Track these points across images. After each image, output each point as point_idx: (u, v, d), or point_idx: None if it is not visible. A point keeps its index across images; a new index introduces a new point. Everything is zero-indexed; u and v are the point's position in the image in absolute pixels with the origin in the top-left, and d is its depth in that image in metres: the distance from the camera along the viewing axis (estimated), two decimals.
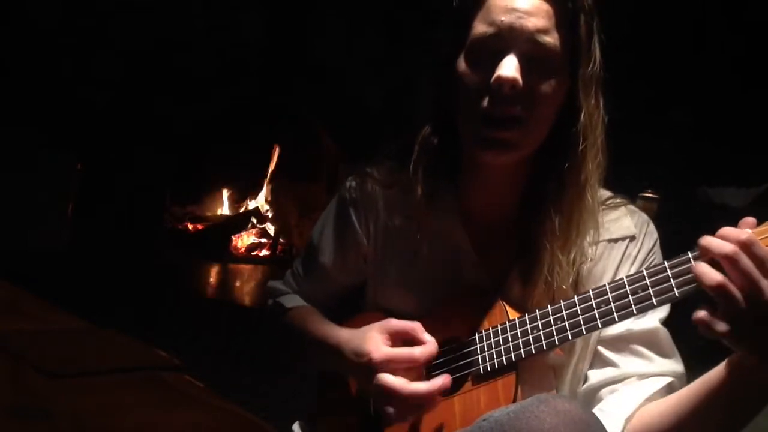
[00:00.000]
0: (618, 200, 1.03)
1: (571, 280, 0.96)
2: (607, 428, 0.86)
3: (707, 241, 0.74)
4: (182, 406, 0.60)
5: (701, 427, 0.84)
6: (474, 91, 0.91)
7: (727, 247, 0.72)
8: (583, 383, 0.99)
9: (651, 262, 1.00)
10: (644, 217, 1.03)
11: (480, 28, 0.91)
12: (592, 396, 0.98)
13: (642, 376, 0.94)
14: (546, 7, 0.89)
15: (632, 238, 1.00)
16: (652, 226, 1.03)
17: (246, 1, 4.70)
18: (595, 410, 0.94)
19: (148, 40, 4.41)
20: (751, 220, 0.76)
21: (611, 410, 0.92)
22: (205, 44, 4.62)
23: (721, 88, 3.27)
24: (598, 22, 0.94)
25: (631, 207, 1.04)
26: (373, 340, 0.95)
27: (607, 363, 0.97)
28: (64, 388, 0.58)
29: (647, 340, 0.95)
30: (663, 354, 0.95)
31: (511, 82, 0.87)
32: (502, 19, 0.89)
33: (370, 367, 0.93)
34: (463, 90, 0.93)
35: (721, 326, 0.72)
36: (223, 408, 0.61)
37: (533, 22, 0.88)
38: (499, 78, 0.87)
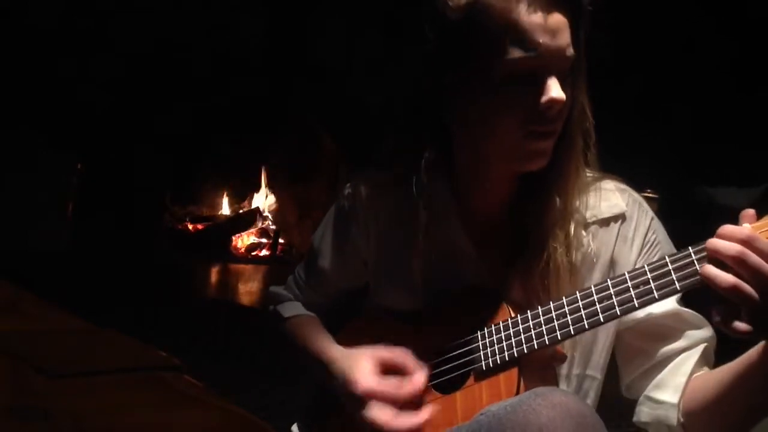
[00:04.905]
0: (606, 179, 1.03)
1: (564, 269, 0.97)
2: (665, 416, 0.91)
3: (714, 244, 0.75)
4: (182, 406, 0.60)
5: (741, 405, 0.86)
6: (514, 111, 0.90)
7: (734, 248, 0.72)
8: (623, 377, 1.01)
9: (654, 240, 1.01)
10: (636, 196, 1.03)
11: (515, 50, 0.88)
12: (636, 388, 0.99)
13: (676, 354, 0.95)
14: (565, 20, 0.89)
15: (623, 217, 1.01)
16: (645, 205, 1.03)
17: (246, 1, 4.70)
18: (647, 401, 0.96)
19: (148, 40, 4.41)
20: (750, 212, 0.77)
21: (663, 398, 0.94)
22: (205, 44, 4.62)
23: (722, 88, 3.27)
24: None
25: (621, 185, 1.04)
26: (362, 368, 0.95)
27: (638, 352, 0.98)
28: (64, 388, 0.58)
29: (671, 320, 0.96)
30: (689, 326, 0.96)
31: (562, 102, 0.88)
32: (540, 40, 0.87)
33: (358, 397, 0.93)
34: (500, 109, 0.91)
35: (742, 325, 0.73)
36: (223, 408, 0.61)
37: (563, 39, 0.89)
38: (552, 100, 0.88)
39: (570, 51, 0.89)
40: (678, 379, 0.94)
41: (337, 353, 1.02)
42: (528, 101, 0.89)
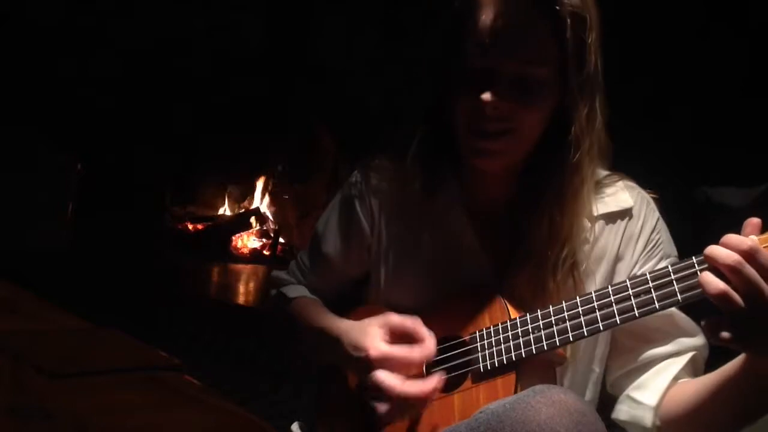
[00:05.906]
0: (615, 177, 1.04)
1: (567, 267, 0.97)
2: (641, 417, 0.91)
3: (712, 251, 0.74)
4: (182, 406, 0.60)
5: (717, 416, 0.86)
6: (463, 105, 0.94)
7: (731, 258, 0.72)
8: (608, 374, 1.02)
9: (657, 240, 1.01)
10: (644, 194, 1.04)
11: (470, 46, 0.92)
12: (619, 386, 1.00)
13: (663, 358, 0.96)
14: (530, 24, 0.90)
15: (630, 214, 1.01)
16: (652, 204, 1.04)
17: (246, 1, 4.70)
18: (627, 400, 0.96)
19: (148, 40, 4.41)
20: (755, 221, 0.76)
21: (642, 399, 0.95)
22: (205, 44, 4.61)
23: (722, 88, 3.27)
24: (594, 23, 0.93)
25: (629, 183, 1.04)
26: (372, 335, 0.95)
27: (627, 350, 0.99)
28: (64, 388, 0.58)
29: (664, 323, 0.96)
30: (681, 333, 0.96)
31: (493, 104, 0.90)
32: (488, 42, 0.90)
33: (367, 363, 0.93)
34: (454, 101, 0.96)
35: (725, 333, 0.73)
36: (223, 408, 0.61)
37: (519, 45, 0.90)
38: (482, 101, 0.90)
39: (526, 58, 0.90)
40: (660, 383, 0.94)
41: (345, 325, 1.02)
42: (471, 98, 0.92)
